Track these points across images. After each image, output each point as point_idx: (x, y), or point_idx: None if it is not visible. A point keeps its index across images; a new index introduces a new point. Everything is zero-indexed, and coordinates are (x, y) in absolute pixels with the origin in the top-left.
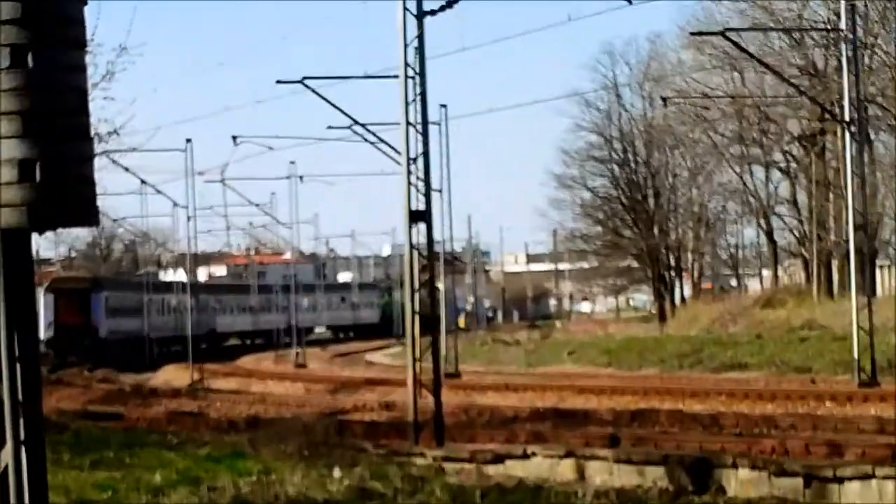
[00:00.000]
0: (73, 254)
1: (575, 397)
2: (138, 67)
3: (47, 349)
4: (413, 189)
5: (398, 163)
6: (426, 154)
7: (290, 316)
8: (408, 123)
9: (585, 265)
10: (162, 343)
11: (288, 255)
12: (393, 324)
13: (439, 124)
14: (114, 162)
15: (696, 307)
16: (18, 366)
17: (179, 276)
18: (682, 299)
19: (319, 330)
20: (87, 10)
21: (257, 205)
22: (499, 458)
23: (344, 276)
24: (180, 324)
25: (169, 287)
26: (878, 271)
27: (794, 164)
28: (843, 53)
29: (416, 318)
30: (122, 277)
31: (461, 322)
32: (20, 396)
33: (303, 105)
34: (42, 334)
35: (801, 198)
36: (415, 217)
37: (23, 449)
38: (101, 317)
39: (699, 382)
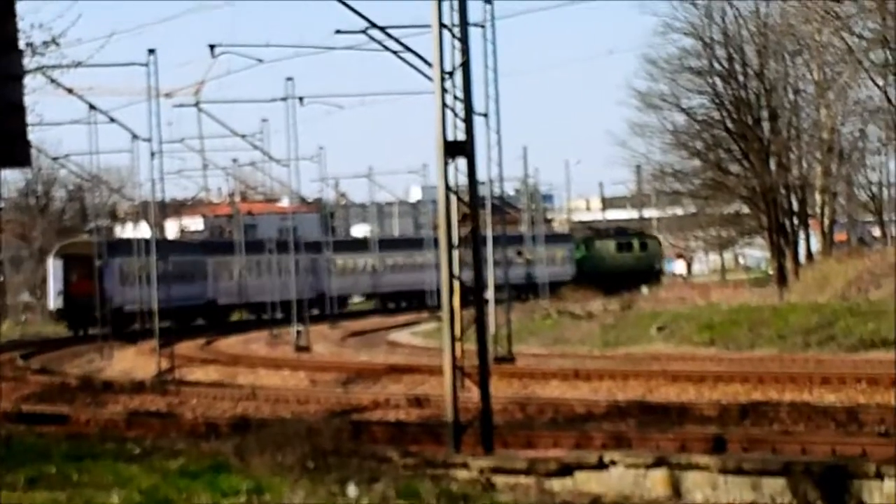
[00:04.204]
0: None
1: (667, 387)
2: None
3: (58, 320)
4: (449, 113)
5: (429, 78)
6: (466, 66)
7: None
8: (441, 25)
9: (679, 212)
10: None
11: (285, 203)
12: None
13: (484, 26)
14: (52, 81)
15: (826, 266)
16: None
17: (141, 231)
18: (809, 256)
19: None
20: None
21: (243, 136)
22: (566, 469)
23: (359, 229)
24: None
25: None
26: None
27: None
28: None
29: (456, 284)
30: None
31: None
32: None
33: (303, 3)
34: (51, 304)
35: None
36: (452, 150)
37: None
38: (115, 285)
39: (832, 365)
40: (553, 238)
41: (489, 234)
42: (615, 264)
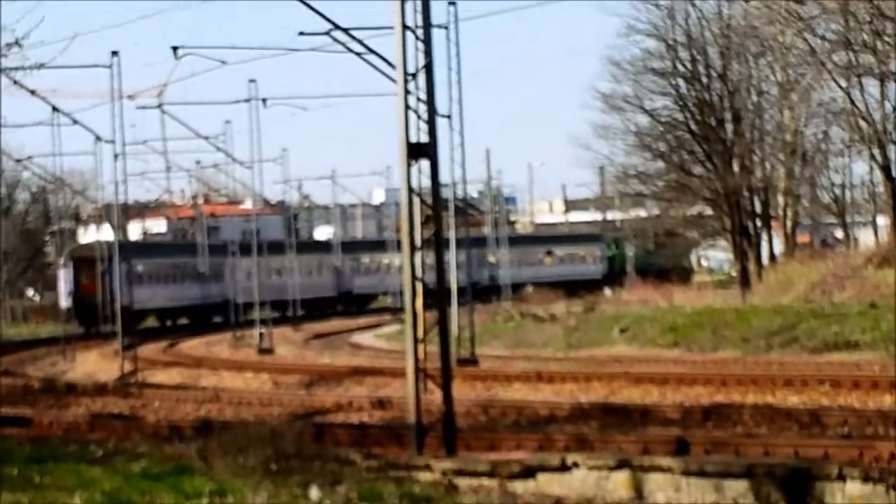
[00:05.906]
0: None
1: (630, 389)
2: None
3: (68, 318)
4: (412, 115)
5: (392, 80)
6: (429, 68)
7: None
8: (404, 27)
9: (643, 213)
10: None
11: (248, 205)
12: (625, 276)
13: (447, 28)
14: (15, 83)
15: (789, 268)
16: None
17: (104, 233)
18: (772, 258)
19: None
20: None
21: (207, 138)
22: (529, 472)
23: (322, 231)
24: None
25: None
26: None
27: None
28: None
29: (419, 286)
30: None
31: None
32: None
33: (266, 5)
34: (63, 303)
35: None
36: (415, 152)
37: None
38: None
39: (794, 368)
40: (585, 238)
41: (452, 236)
42: (646, 262)
